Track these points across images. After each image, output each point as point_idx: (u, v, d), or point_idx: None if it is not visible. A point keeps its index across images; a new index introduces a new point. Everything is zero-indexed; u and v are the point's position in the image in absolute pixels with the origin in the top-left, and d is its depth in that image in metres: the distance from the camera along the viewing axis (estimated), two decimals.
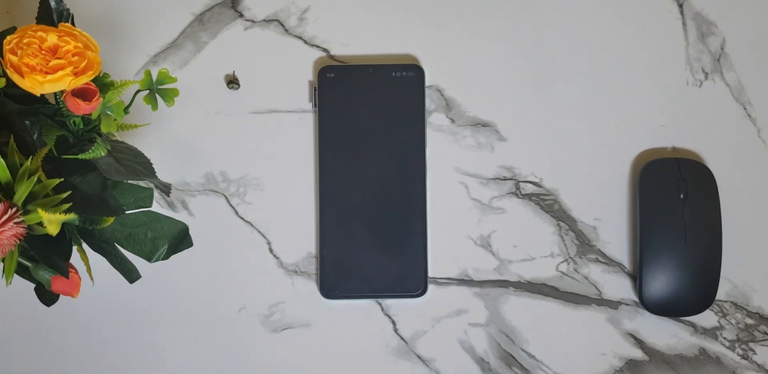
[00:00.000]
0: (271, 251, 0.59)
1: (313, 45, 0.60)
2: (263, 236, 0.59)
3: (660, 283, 0.56)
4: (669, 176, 0.57)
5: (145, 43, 0.60)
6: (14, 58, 0.41)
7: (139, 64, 0.60)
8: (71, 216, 0.41)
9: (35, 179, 0.41)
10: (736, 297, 0.58)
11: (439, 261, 0.58)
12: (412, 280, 0.57)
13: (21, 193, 0.41)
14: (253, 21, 0.60)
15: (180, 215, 0.59)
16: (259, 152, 0.59)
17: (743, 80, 0.60)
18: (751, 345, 0.58)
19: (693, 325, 0.58)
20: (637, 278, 0.57)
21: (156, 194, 0.54)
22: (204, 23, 0.60)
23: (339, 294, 0.58)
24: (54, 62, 0.42)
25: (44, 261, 0.43)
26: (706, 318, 0.58)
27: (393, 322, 0.58)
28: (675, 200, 0.57)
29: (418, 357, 0.58)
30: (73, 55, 0.42)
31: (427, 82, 0.59)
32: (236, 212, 0.59)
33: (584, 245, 0.59)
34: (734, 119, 0.60)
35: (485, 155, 0.60)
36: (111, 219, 0.46)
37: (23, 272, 0.44)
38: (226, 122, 0.60)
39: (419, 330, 0.58)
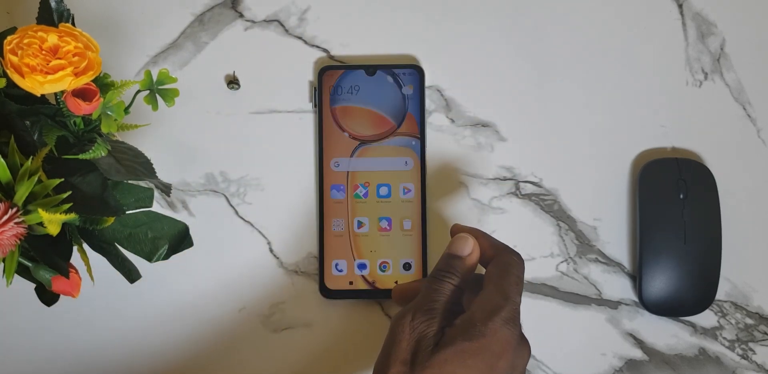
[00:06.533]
0: (271, 251, 0.59)
1: (313, 45, 0.60)
2: (263, 236, 0.59)
3: (660, 283, 0.56)
4: (669, 176, 0.57)
5: (145, 43, 0.60)
6: (15, 59, 0.41)
7: (140, 65, 0.60)
8: (71, 216, 0.41)
9: (36, 179, 0.41)
10: (736, 297, 0.58)
11: None
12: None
13: (21, 193, 0.41)
14: (253, 21, 0.60)
15: (180, 215, 0.59)
16: (259, 152, 0.59)
17: (743, 80, 0.60)
18: (750, 345, 0.58)
19: (693, 325, 0.58)
20: (637, 278, 0.57)
21: (156, 194, 0.54)
22: (204, 23, 0.60)
23: (339, 293, 0.58)
24: (54, 62, 0.42)
25: (44, 261, 0.43)
26: (706, 318, 0.58)
27: None
28: (675, 200, 0.57)
29: None
30: (74, 56, 0.42)
31: (427, 83, 0.60)
32: (236, 212, 0.59)
33: (584, 245, 0.59)
34: (734, 119, 0.60)
35: (485, 155, 0.60)
36: (111, 219, 0.46)
37: (23, 272, 0.44)
38: (226, 122, 0.60)
39: None
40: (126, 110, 0.45)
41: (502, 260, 0.42)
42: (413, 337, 0.39)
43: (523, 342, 0.41)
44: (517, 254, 0.43)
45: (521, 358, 0.41)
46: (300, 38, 0.60)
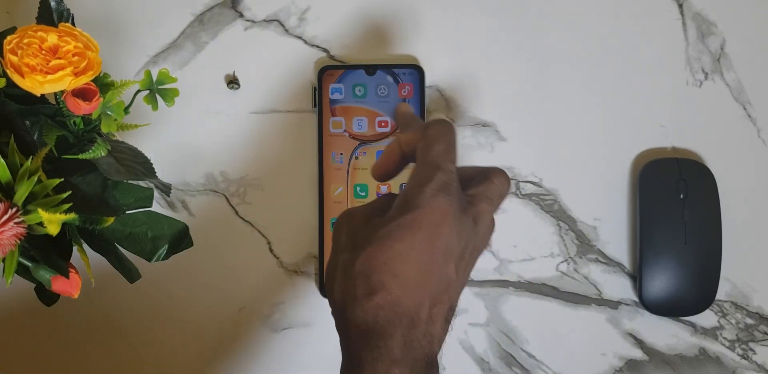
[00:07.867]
0: (271, 251, 0.59)
1: (313, 45, 0.60)
2: (263, 236, 0.59)
3: (660, 283, 0.56)
4: (669, 176, 0.57)
5: (145, 43, 0.60)
6: (14, 59, 0.41)
7: (139, 64, 0.60)
8: (71, 216, 0.41)
9: (35, 179, 0.41)
10: (736, 297, 0.58)
11: None
12: None
13: (21, 193, 0.40)
14: (253, 21, 0.60)
15: (180, 215, 0.59)
16: (259, 152, 0.59)
17: (743, 80, 0.60)
18: (751, 344, 0.58)
19: (693, 325, 0.58)
20: (637, 278, 0.57)
21: (156, 194, 0.54)
22: (204, 23, 0.60)
23: None
24: (54, 62, 0.42)
25: (44, 261, 0.43)
26: (706, 318, 0.58)
27: None
28: (675, 200, 0.57)
29: None
30: (74, 55, 0.42)
31: (427, 82, 0.59)
32: (236, 212, 0.59)
33: (584, 245, 0.59)
34: (734, 119, 0.60)
35: (485, 155, 0.60)
36: (111, 219, 0.46)
37: (23, 272, 0.44)
38: (226, 122, 0.60)
39: None
40: (126, 110, 0.45)
41: (427, 135, 0.40)
42: (350, 228, 0.39)
43: (467, 213, 0.38)
44: (443, 122, 0.40)
45: (468, 226, 0.38)
46: (300, 38, 0.60)
